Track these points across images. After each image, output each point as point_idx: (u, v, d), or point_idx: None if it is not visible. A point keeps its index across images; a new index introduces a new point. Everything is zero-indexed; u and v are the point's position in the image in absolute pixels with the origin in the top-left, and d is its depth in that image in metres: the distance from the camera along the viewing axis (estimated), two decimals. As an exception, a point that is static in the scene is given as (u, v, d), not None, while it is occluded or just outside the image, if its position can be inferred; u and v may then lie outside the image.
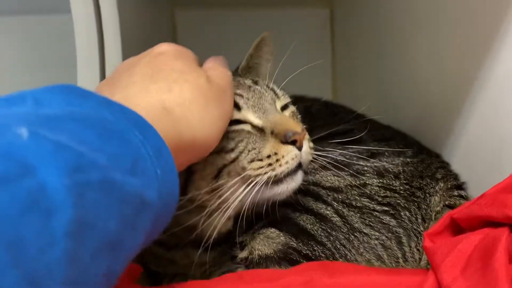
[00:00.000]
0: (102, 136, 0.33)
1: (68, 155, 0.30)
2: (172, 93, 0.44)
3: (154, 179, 0.36)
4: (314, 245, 0.56)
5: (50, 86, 0.36)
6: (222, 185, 0.53)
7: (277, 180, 0.53)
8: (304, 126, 0.61)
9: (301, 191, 0.59)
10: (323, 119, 0.76)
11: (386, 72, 0.93)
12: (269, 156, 0.52)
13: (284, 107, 0.61)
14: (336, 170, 0.62)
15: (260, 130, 0.55)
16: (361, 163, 0.64)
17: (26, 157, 0.28)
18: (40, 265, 0.27)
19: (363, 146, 0.65)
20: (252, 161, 0.53)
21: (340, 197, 0.61)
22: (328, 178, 0.62)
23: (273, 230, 0.57)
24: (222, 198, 0.53)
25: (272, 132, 0.54)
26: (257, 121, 0.55)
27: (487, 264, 0.41)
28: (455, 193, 0.65)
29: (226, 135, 0.53)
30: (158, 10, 1.06)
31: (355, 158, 0.64)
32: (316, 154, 0.57)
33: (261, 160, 0.52)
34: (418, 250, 0.60)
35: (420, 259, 0.60)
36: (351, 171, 0.63)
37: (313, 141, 0.60)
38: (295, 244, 0.55)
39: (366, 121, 0.74)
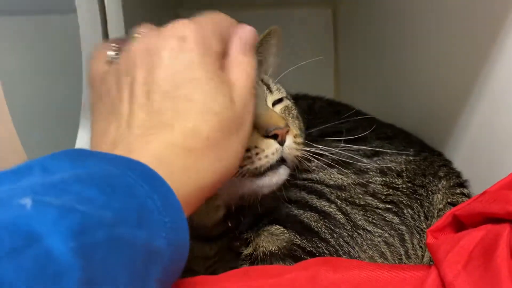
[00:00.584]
0: (106, 192, 0.33)
1: (72, 218, 0.30)
2: (197, 132, 0.41)
3: (162, 228, 0.36)
4: (318, 242, 0.56)
5: (57, 152, 0.36)
6: None
7: (258, 174, 0.53)
8: (301, 123, 0.61)
9: (305, 188, 0.60)
10: (326, 117, 0.76)
11: (388, 71, 0.93)
12: (248, 150, 0.52)
13: (277, 102, 0.60)
14: (339, 168, 0.62)
15: None
16: (364, 161, 0.65)
17: (31, 226, 0.28)
18: None
19: (366, 144, 0.66)
20: None
21: (343, 195, 0.61)
22: (332, 176, 0.63)
23: (277, 227, 0.57)
24: None
25: (254, 126, 0.53)
26: None
27: (489, 259, 0.41)
28: (458, 191, 0.66)
29: None
30: (162, 10, 1.07)
31: (358, 156, 0.64)
32: (313, 152, 0.57)
33: None
34: (420, 247, 0.61)
35: (422, 256, 0.61)
36: (354, 169, 0.64)
37: (316, 139, 0.61)
38: (299, 241, 0.56)
39: (369, 119, 0.75)
